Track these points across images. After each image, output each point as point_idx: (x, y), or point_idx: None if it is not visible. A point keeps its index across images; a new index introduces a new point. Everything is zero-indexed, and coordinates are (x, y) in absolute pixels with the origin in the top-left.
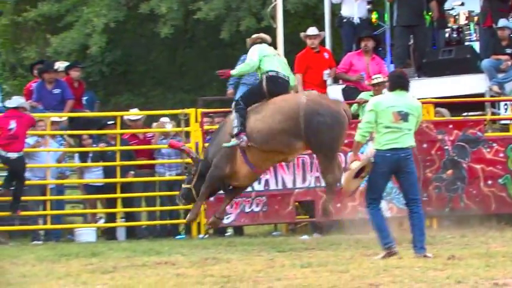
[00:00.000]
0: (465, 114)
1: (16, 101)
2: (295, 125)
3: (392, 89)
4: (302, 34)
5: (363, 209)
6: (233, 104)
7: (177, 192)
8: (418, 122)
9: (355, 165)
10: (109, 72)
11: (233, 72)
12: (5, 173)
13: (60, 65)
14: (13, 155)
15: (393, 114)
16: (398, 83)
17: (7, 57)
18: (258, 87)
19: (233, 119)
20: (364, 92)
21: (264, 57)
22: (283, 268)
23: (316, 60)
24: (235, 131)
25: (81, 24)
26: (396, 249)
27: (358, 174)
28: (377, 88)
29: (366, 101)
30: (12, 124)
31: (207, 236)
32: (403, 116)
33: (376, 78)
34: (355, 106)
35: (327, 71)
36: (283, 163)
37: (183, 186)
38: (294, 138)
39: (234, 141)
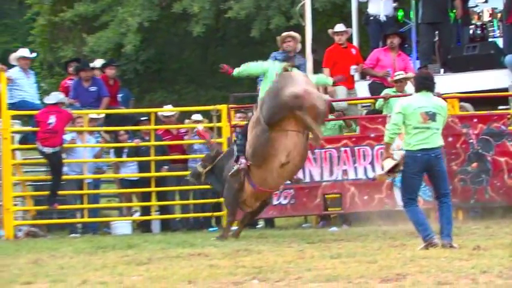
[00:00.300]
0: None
1: (55, 96)
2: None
3: (418, 90)
4: (330, 31)
5: (389, 201)
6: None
7: (209, 186)
8: (444, 120)
9: (388, 164)
10: (143, 70)
11: (235, 71)
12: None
13: (96, 63)
14: (49, 150)
15: (421, 114)
16: (424, 84)
17: (45, 56)
18: None
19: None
20: (388, 88)
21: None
22: (313, 259)
23: (344, 55)
24: (235, 155)
25: (116, 23)
26: (436, 240)
27: (391, 170)
28: (399, 84)
29: (391, 96)
30: (52, 119)
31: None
32: (431, 116)
33: (398, 74)
34: (380, 101)
35: (354, 66)
36: (310, 156)
37: (197, 165)
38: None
39: (235, 167)
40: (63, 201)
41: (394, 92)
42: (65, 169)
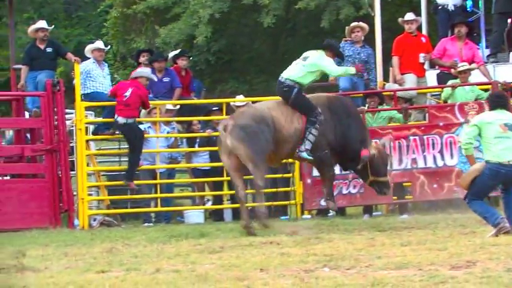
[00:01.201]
0: None
1: (139, 72)
2: None
3: (492, 108)
4: (400, 19)
5: (459, 189)
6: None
7: (280, 176)
8: None
9: (473, 174)
10: (214, 60)
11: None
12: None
13: (170, 54)
14: (121, 120)
15: (500, 126)
16: (499, 103)
17: (118, 48)
18: None
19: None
20: (455, 78)
21: None
22: (384, 247)
23: (413, 44)
24: None
25: (188, 15)
26: (507, 224)
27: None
28: (463, 75)
29: (459, 85)
30: (128, 92)
31: (310, 216)
32: (510, 127)
33: (462, 65)
34: (448, 90)
35: (422, 54)
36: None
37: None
38: None
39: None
40: (137, 191)
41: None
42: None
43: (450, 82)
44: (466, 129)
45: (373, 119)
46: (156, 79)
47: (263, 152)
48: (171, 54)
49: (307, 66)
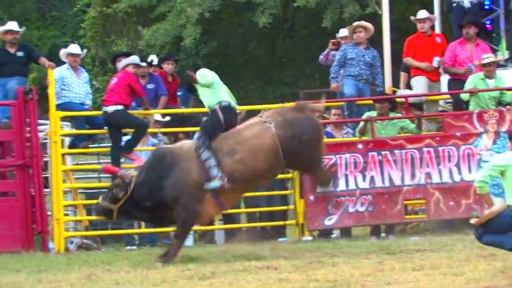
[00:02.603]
0: None
1: (124, 61)
2: (277, 158)
3: None
4: (412, 18)
5: (477, 207)
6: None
7: (277, 193)
8: None
9: (491, 215)
10: (204, 65)
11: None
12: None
13: (154, 58)
14: (110, 109)
15: None
16: None
17: (96, 52)
18: (216, 120)
19: (204, 158)
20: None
21: (216, 83)
22: (393, 271)
23: (427, 44)
24: (216, 173)
25: (175, 14)
26: None
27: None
28: (488, 69)
29: (479, 91)
30: (114, 80)
31: (311, 238)
32: None
33: (486, 57)
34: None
35: (437, 58)
36: (390, 158)
37: (103, 202)
38: (277, 169)
39: (217, 183)
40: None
41: (481, 79)
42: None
43: (470, 80)
44: (487, 168)
45: (382, 125)
46: (144, 64)
47: None
48: (154, 58)
49: None
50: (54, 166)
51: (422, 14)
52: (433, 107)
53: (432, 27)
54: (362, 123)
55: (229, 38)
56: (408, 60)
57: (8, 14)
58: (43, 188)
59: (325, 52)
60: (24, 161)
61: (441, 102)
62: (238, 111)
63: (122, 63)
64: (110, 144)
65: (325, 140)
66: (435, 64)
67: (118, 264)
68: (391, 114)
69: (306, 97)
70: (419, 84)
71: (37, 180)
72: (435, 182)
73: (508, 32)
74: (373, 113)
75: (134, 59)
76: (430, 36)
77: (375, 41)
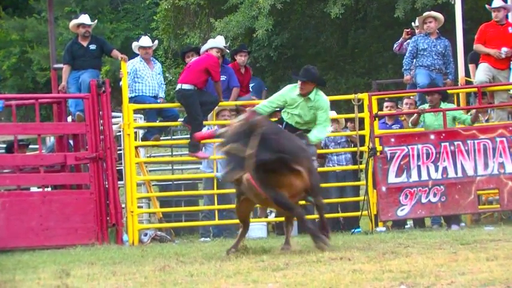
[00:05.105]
0: None
1: (208, 43)
2: None
3: None
4: (487, 6)
5: None
6: None
7: (349, 184)
8: None
9: None
10: (277, 56)
11: None
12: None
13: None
14: (179, 86)
15: None
16: None
17: (169, 44)
18: None
19: None
20: None
21: None
22: (467, 261)
23: (498, 33)
24: None
25: (247, 6)
26: None
27: None
28: None
29: None
30: (194, 60)
31: (385, 229)
32: None
33: None
34: None
35: (504, 49)
36: (462, 148)
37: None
38: None
39: None
40: (192, 202)
41: None
42: (200, 166)
43: None
44: None
45: (436, 117)
46: (228, 51)
47: None
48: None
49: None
50: (128, 158)
51: (497, 2)
52: (502, 95)
53: (507, 17)
54: (415, 115)
55: (302, 29)
56: (478, 47)
57: (80, 7)
58: (117, 181)
59: (399, 41)
60: (98, 154)
61: None
62: None
63: (207, 45)
64: (182, 136)
65: (386, 131)
66: (502, 55)
67: (192, 256)
68: (443, 105)
69: (379, 88)
70: (479, 70)
71: (111, 173)
72: (508, 172)
73: None
74: (426, 106)
75: (219, 42)
76: (503, 26)
77: (448, 31)
